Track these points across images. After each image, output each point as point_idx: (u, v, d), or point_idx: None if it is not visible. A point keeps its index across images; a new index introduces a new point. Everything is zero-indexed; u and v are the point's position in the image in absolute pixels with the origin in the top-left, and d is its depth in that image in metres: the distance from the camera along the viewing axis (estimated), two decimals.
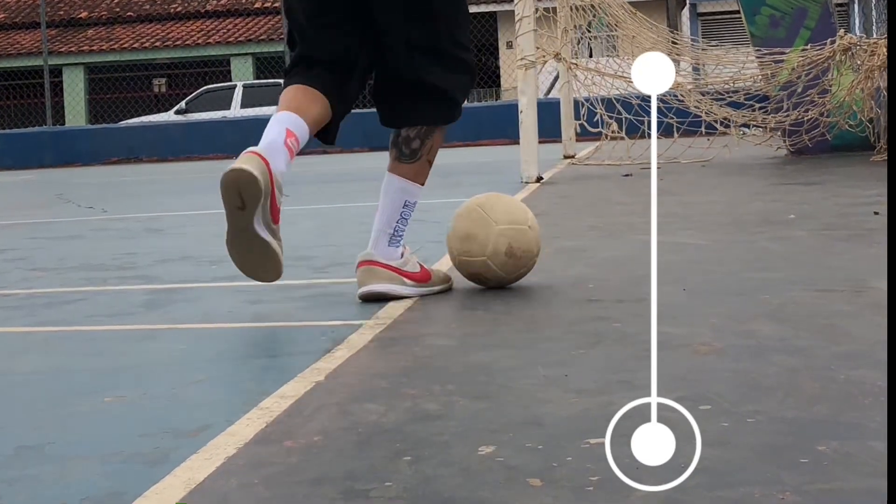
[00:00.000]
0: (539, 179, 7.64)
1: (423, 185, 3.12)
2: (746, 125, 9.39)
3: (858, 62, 8.23)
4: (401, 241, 3.08)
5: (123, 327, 2.87)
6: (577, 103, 10.20)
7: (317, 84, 3.00)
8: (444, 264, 3.63)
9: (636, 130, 9.54)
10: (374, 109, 3.17)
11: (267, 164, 2.76)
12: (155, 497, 1.48)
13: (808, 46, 8.62)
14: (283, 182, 2.83)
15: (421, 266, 3.10)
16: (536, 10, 8.12)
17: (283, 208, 2.86)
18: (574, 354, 2.24)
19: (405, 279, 3.04)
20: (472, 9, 27.18)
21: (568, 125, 10.42)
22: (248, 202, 2.73)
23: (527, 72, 7.71)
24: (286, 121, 2.91)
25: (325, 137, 3.09)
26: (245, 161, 2.75)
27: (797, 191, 5.98)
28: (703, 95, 9.35)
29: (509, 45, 23.55)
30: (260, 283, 3.02)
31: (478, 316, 2.76)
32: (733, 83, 9.28)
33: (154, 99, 27.53)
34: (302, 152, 3.01)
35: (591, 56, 10.93)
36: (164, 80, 28.20)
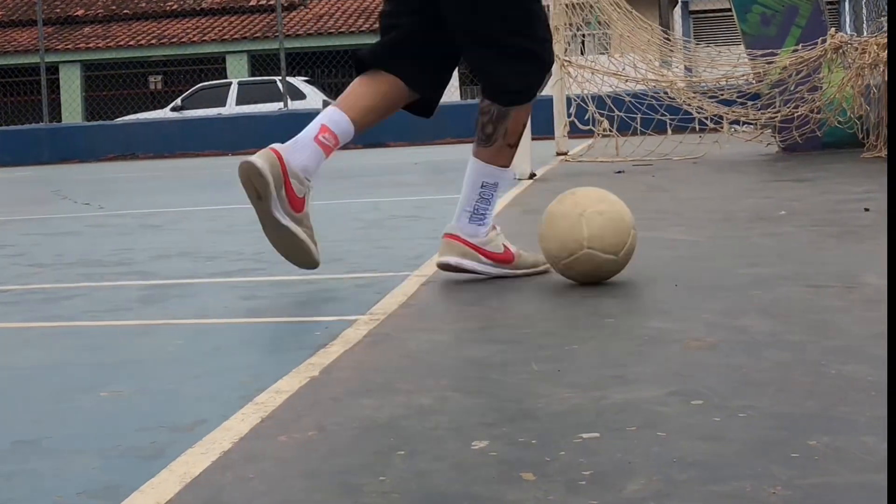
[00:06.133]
0: (532, 176, 7.65)
1: (504, 166, 3.25)
2: (737, 121, 9.41)
3: (850, 61, 8.25)
4: (484, 219, 3.19)
5: (120, 323, 2.88)
6: (568, 100, 10.21)
7: (388, 65, 3.14)
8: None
9: (628, 128, 9.56)
10: None
11: (279, 157, 2.99)
12: (151, 491, 1.49)
13: (799, 45, 8.63)
14: (308, 174, 3.04)
15: (506, 248, 3.19)
16: None
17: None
18: (567, 349, 2.25)
19: (482, 257, 3.16)
20: None
21: (560, 122, 10.43)
22: (261, 192, 2.98)
23: None
24: (325, 117, 3.11)
25: (418, 111, 3.31)
26: (257, 155, 2.99)
27: (788, 187, 5.99)
28: (695, 93, 9.37)
29: None
30: (303, 268, 3.20)
31: (471, 311, 2.77)
32: (725, 82, 9.30)
33: (150, 96, 27.53)
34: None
35: (583, 53, 10.92)
36: (159, 78, 28.20)
